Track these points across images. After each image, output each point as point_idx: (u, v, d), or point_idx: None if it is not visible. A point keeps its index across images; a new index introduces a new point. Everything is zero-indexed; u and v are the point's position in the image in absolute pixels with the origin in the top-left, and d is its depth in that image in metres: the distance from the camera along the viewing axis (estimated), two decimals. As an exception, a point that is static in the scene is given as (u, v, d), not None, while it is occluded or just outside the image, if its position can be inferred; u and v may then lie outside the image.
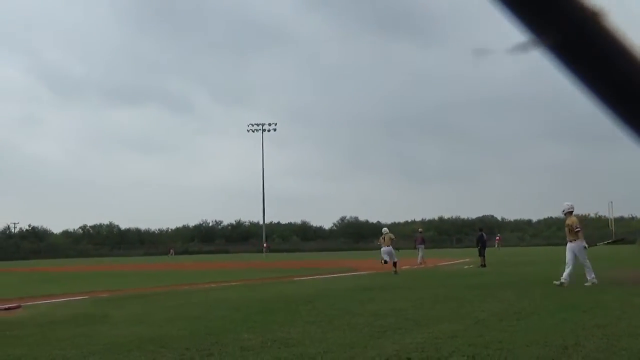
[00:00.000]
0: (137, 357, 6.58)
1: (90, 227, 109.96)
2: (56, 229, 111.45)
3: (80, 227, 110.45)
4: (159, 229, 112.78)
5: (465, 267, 27.19)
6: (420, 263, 30.74)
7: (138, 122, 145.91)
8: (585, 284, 14.46)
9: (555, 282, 14.66)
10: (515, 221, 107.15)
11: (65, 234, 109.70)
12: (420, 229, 39.15)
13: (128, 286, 18.86)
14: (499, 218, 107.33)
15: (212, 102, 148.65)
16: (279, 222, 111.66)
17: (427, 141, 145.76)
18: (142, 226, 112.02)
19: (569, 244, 15.19)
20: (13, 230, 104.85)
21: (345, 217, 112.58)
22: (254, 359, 6.29)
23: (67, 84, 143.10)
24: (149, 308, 11.84)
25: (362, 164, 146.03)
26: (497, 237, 68.56)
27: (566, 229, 15.34)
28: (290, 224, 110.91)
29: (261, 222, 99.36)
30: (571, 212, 15.41)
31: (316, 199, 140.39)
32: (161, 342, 7.48)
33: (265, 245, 70.82)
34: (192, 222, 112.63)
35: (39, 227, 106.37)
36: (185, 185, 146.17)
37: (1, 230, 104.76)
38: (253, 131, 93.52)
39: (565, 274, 14.72)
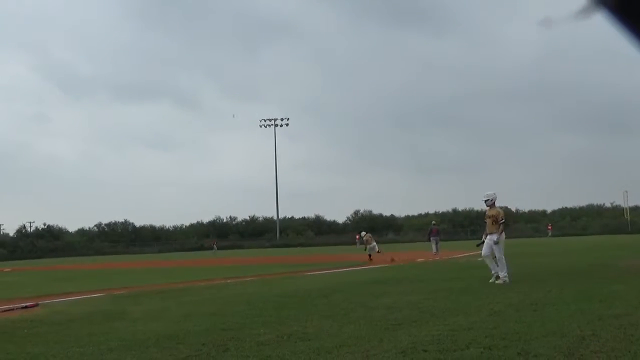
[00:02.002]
0: (155, 353, 6.62)
1: (105, 224, 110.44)
2: (71, 227, 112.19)
3: (95, 225, 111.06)
4: (173, 226, 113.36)
5: (480, 259, 27.08)
6: (436, 254, 31.15)
7: (148, 119, 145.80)
8: (496, 281, 13.54)
9: (497, 281, 13.63)
10: (530, 212, 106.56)
11: (81, 232, 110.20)
12: (433, 222, 39.52)
13: (144, 283, 18.96)
14: (514, 209, 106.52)
15: (222, 97, 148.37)
16: (292, 217, 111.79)
17: (440, 133, 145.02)
18: (157, 223, 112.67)
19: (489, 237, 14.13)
20: (29, 229, 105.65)
21: (359, 210, 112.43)
22: (270, 354, 6.31)
23: (76, 82, 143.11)
24: (165, 304, 11.90)
25: (376, 157, 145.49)
26: (549, 226, 75.27)
27: (489, 220, 14.18)
28: (304, 218, 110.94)
29: (275, 217, 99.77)
30: (494, 202, 14.37)
31: (330, 193, 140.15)
32: (178, 338, 7.52)
33: (358, 237, 69.80)
34: (207, 218, 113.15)
35: (55, 226, 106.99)
36: (198, 181, 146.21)
37: (17, 229, 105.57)
38: (266, 126, 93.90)
39: (502, 272, 13.77)
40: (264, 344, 6.88)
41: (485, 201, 14.44)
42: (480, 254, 14.97)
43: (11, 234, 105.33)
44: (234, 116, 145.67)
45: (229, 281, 18.36)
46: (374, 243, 31.33)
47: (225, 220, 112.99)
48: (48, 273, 31.59)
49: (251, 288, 15.41)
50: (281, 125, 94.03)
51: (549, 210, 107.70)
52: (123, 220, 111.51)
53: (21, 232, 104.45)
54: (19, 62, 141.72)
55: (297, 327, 8.08)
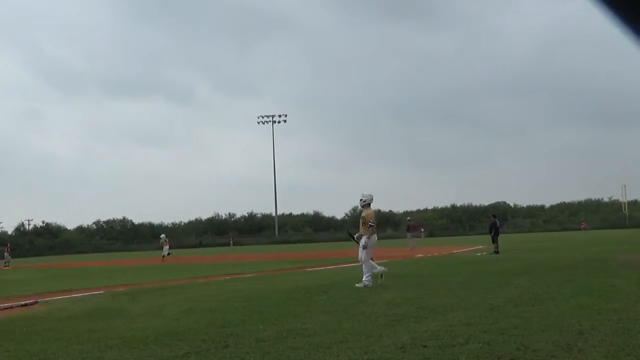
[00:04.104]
0: (155, 350, 6.62)
1: (104, 222, 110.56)
2: (70, 225, 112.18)
3: (94, 223, 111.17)
4: (172, 223, 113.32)
5: (479, 254, 27.16)
6: (412, 249, 33.37)
7: (143, 115, 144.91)
8: (357, 285, 12.93)
9: (357, 284, 13.00)
10: (528, 207, 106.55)
11: (80, 229, 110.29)
12: (408, 217, 41.41)
13: (144, 280, 18.96)
14: (512, 204, 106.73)
15: (216, 93, 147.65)
16: (291, 213, 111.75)
17: (438, 128, 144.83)
18: (155, 220, 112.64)
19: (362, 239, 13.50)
20: (27, 227, 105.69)
21: (357, 207, 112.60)
22: (269, 350, 6.32)
23: (68, 78, 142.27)
24: (165, 301, 11.90)
25: (374, 153, 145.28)
26: (584, 224, 76.22)
27: (361, 221, 13.72)
28: (302, 214, 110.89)
29: (273, 214, 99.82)
30: (369, 204, 13.81)
31: (328, 189, 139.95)
32: (178, 334, 7.53)
33: (422, 229, 70.76)
34: (205, 215, 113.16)
35: (53, 224, 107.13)
36: (196, 178, 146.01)
37: (15, 227, 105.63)
38: (263, 123, 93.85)
39: (365, 275, 13.16)
40: (263, 340, 6.89)
41: (360, 201, 13.88)
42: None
43: (10, 232, 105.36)
44: None
45: (227, 278, 18.37)
46: (167, 246, 37.13)
47: (223, 217, 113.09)
48: (47, 271, 31.56)
49: (250, 285, 15.41)
50: (279, 122, 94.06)
51: (547, 205, 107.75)
52: (121, 218, 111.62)
53: (20, 230, 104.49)
54: (10, 59, 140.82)
55: (297, 323, 8.09)
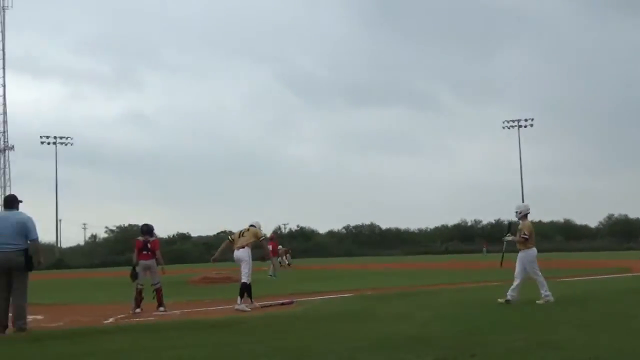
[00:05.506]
0: (405, 354, 6.70)
1: (353, 227, 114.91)
2: (322, 228, 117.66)
3: (343, 227, 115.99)
4: (418, 229, 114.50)
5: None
6: None
7: (384, 123, 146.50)
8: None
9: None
10: None
11: (330, 234, 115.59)
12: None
13: (391, 284, 19.36)
14: None
15: (457, 99, 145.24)
16: (540, 221, 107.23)
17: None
18: (402, 226, 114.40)
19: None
20: (284, 231, 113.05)
21: (612, 214, 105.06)
22: (519, 361, 6.14)
23: (312, 88, 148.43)
24: (413, 306, 12.02)
25: (630, 155, 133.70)
26: None
27: (518, 234, 12.77)
28: (551, 222, 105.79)
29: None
30: (526, 215, 12.76)
31: (579, 196, 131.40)
32: (425, 340, 7.58)
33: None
34: (451, 222, 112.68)
35: (307, 227, 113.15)
36: (441, 183, 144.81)
37: (273, 230, 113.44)
38: (508, 128, 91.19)
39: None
40: (512, 351, 6.71)
41: (515, 213, 12.97)
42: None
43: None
44: None
45: (481, 285, 18.15)
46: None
47: (469, 224, 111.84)
48: (303, 272, 33.27)
49: (497, 293, 15.07)
50: (525, 126, 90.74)
51: None
52: (369, 223, 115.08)
53: (276, 233, 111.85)
54: (259, 70, 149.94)
55: (547, 334, 7.78)
